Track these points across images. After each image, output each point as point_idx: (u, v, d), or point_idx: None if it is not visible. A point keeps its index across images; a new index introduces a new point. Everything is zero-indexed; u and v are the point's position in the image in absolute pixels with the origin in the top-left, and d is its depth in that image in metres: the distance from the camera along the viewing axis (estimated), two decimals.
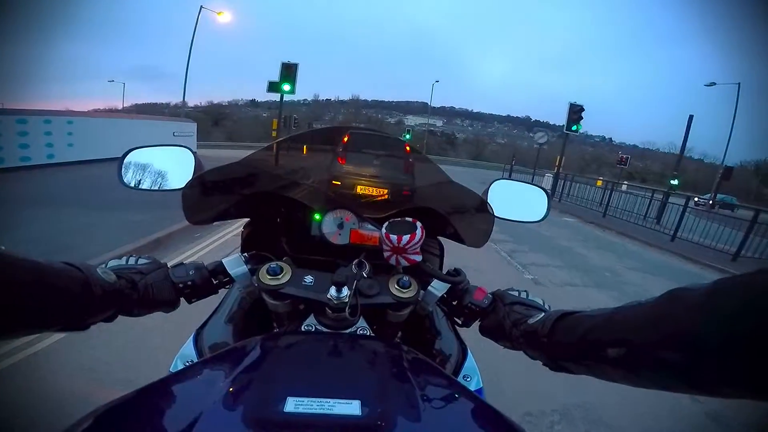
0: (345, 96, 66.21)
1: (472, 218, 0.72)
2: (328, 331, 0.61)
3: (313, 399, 0.37)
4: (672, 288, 0.36)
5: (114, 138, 8.33)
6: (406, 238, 0.60)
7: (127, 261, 0.58)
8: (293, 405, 0.36)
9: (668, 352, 0.34)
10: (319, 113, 60.64)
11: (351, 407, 0.37)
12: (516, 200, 0.74)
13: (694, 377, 0.32)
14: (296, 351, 0.52)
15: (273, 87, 11.06)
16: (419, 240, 0.60)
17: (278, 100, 12.33)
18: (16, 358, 1.98)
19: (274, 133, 12.07)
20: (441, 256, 0.83)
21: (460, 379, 0.71)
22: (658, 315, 0.35)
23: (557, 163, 14.46)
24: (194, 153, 0.68)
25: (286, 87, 10.98)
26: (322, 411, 0.36)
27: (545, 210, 0.75)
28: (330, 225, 0.71)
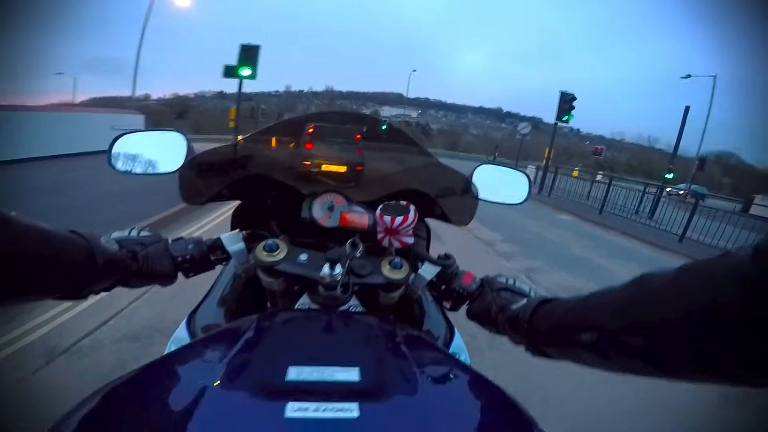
0: (318, 87, 65.02)
1: (458, 198, 0.74)
2: (321, 309, 0.62)
3: (314, 367, 0.39)
4: (639, 274, 0.37)
5: (37, 135, 7.00)
6: (399, 219, 0.61)
7: (129, 233, 0.59)
8: (295, 373, 0.38)
9: (634, 336, 0.34)
10: (292, 105, 59.26)
11: (351, 374, 0.38)
12: (499, 184, 0.77)
13: (660, 362, 0.33)
14: (293, 326, 0.53)
15: (230, 72, 9.23)
16: (412, 222, 0.62)
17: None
18: None
19: (231, 124, 10.67)
20: (428, 239, 0.86)
21: None
22: (626, 300, 0.36)
23: (546, 155, 13.72)
24: (186, 137, 0.68)
25: (246, 72, 9.12)
26: (322, 378, 0.38)
27: (526, 193, 0.79)
28: (320, 208, 0.73)
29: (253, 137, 0.79)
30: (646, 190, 10.30)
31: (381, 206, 0.64)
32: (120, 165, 0.67)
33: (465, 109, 68.64)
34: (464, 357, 0.74)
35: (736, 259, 0.29)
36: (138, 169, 0.68)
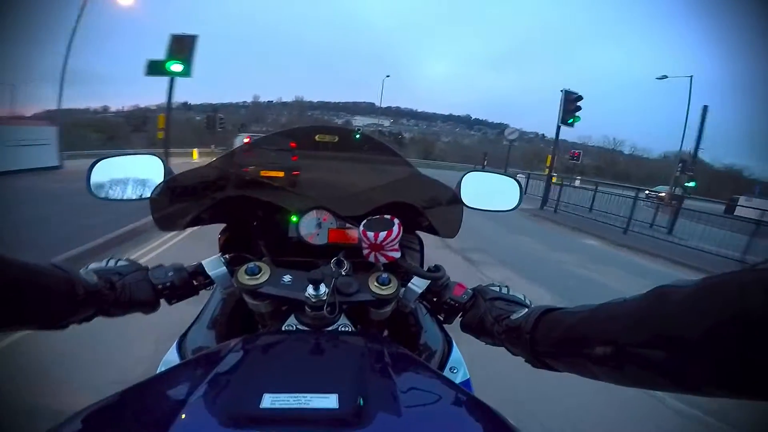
0: (288, 98, 64.50)
1: (444, 210, 0.74)
2: (309, 330, 0.61)
3: (290, 394, 0.38)
4: (657, 285, 0.36)
5: None
6: (382, 235, 0.60)
7: (106, 263, 0.58)
8: (270, 401, 0.37)
9: (655, 351, 0.33)
10: (260, 116, 58.41)
11: (328, 401, 0.37)
12: (488, 191, 0.77)
13: (681, 376, 0.32)
14: (274, 349, 0.52)
15: (156, 68, 7.23)
16: (396, 236, 0.61)
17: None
18: None
19: (160, 134, 8.59)
20: (421, 251, 0.85)
21: (446, 371, 0.72)
22: (645, 313, 0.35)
23: (548, 163, 11.97)
24: (162, 159, 0.67)
25: (176, 67, 7.18)
26: (298, 405, 0.36)
27: (517, 200, 0.79)
28: (308, 226, 0.71)
29: (231, 156, 0.76)
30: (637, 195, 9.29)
31: (364, 222, 0.63)
32: (98, 191, 0.65)
33: (435, 117, 70.17)
34: (463, 371, 0.73)
35: (765, 273, 0.28)
36: (116, 195, 0.66)
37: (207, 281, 0.63)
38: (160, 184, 0.63)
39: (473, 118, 70.80)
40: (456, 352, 0.76)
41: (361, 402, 0.38)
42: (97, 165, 0.65)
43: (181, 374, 0.47)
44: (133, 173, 0.66)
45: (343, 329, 0.62)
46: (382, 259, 0.62)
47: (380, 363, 0.48)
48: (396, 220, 0.62)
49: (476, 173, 0.78)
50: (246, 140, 8.85)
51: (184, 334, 0.74)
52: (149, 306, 0.59)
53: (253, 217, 0.76)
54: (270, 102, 64.16)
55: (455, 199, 0.73)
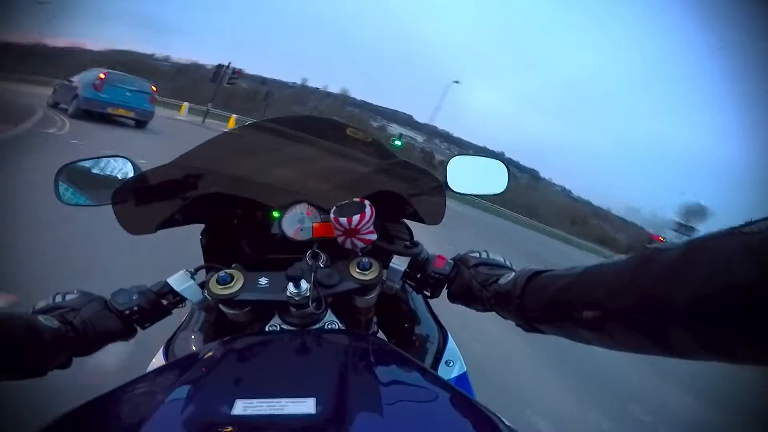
0: (334, 89, 65.28)
1: (428, 197, 0.72)
2: (293, 329, 0.58)
3: (264, 400, 0.35)
4: (644, 248, 0.36)
5: None
6: (356, 218, 0.58)
7: (54, 300, 0.55)
8: (242, 407, 0.34)
9: (642, 315, 0.33)
10: (302, 100, 59.20)
11: (304, 406, 0.34)
12: (475, 174, 0.75)
13: (667, 341, 0.32)
14: (251, 352, 0.49)
15: None
16: (369, 218, 0.59)
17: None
18: None
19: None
20: (411, 239, 0.80)
21: (442, 364, 0.70)
22: (630, 277, 0.35)
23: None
24: (131, 160, 0.66)
25: None
26: (272, 412, 0.34)
27: (506, 182, 0.77)
28: (290, 221, 0.68)
29: (204, 149, 0.72)
30: None
31: (333, 209, 0.60)
32: (67, 198, 0.65)
33: (469, 145, 69.78)
34: (459, 365, 0.70)
35: (750, 237, 0.28)
36: (86, 200, 0.66)
37: (177, 299, 0.60)
38: (122, 184, 0.62)
39: (506, 156, 70.44)
40: (452, 345, 0.73)
41: (340, 406, 0.35)
42: (64, 170, 0.65)
43: (155, 380, 0.45)
44: (102, 176, 0.66)
45: (330, 326, 0.59)
46: (360, 244, 0.60)
47: (364, 362, 0.45)
48: (367, 202, 0.60)
49: (462, 157, 0.76)
50: (101, 76, 9.14)
51: (171, 338, 0.72)
52: (121, 335, 0.56)
53: (231, 215, 0.73)
54: (316, 88, 65.15)
55: (438, 185, 0.71)
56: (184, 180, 0.66)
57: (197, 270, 0.62)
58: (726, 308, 0.28)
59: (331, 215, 0.60)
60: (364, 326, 0.69)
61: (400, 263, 0.63)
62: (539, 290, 0.46)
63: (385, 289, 0.64)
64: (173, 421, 0.33)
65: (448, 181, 0.72)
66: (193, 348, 0.69)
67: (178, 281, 0.60)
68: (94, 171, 0.67)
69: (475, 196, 0.75)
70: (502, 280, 0.53)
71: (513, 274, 0.53)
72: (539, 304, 0.46)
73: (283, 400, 0.35)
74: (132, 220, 0.63)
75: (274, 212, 0.69)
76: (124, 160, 0.66)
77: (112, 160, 0.67)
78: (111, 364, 1.67)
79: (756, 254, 0.27)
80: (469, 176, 0.73)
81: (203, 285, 0.59)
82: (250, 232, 0.73)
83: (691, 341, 0.31)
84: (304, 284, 0.54)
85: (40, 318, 0.48)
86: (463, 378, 0.69)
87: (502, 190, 0.76)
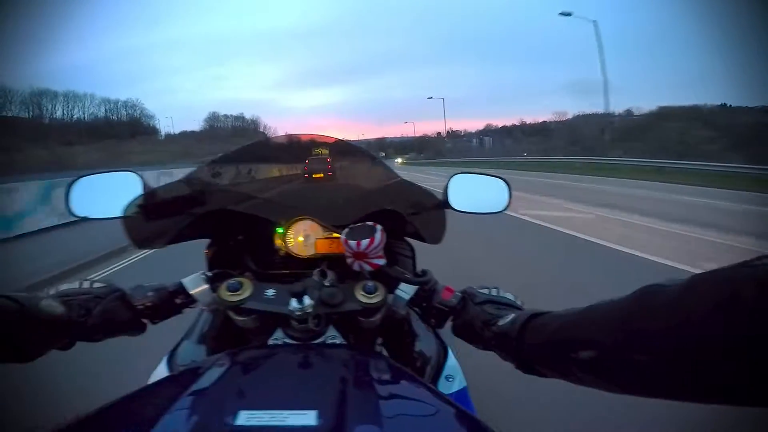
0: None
1: (428, 216, 0.73)
2: (296, 343, 0.60)
3: (266, 411, 0.36)
4: (645, 285, 0.34)
5: None
6: (365, 242, 0.59)
7: (80, 285, 0.58)
8: (245, 418, 0.35)
9: (638, 354, 0.32)
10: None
11: (306, 418, 0.36)
12: (476, 193, 0.75)
13: (667, 382, 0.31)
14: (255, 364, 0.51)
15: None
16: (379, 243, 0.60)
17: None
18: None
19: None
20: (413, 258, 0.83)
21: (442, 380, 0.71)
22: (629, 314, 0.33)
23: None
24: (140, 176, 0.67)
25: None
26: (274, 423, 0.35)
27: (506, 200, 0.77)
28: (294, 237, 0.71)
29: (210, 167, 0.75)
30: None
31: (345, 231, 0.62)
32: (77, 210, 0.67)
33: None
34: (459, 379, 0.71)
35: (762, 269, 0.26)
36: (96, 214, 0.68)
37: (189, 299, 0.62)
38: (133, 201, 0.64)
39: None
40: (452, 360, 0.74)
41: (341, 418, 0.36)
42: (76, 183, 0.67)
43: (158, 391, 0.47)
44: (113, 191, 0.67)
45: (331, 341, 0.61)
46: (367, 267, 0.61)
47: (365, 376, 0.47)
48: (378, 227, 0.61)
49: (463, 175, 0.76)
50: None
51: (174, 349, 0.73)
52: (132, 328, 0.59)
53: (237, 230, 0.75)
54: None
55: (438, 205, 0.71)
56: (193, 197, 0.68)
57: (213, 274, 0.64)
58: (731, 346, 0.26)
59: (342, 236, 0.61)
60: (365, 341, 0.70)
61: (406, 290, 0.64)
62: (537, 331, 0.46)
63: (389, 314, 0.65)
64: (179, 431, 0.35)
65: (448, 199, 0.72)
66: (197, 358, 0.70)
67: (192, 283, 0.62)
68: (104, 185, 0.69)
69: (472, 214, 0.75)
70: (501, 321, 0.53)
71: (513, 315, 0.52)
72: (536, 345, 0.45)
73: (285, 412, 0.36)
74: (141, 234, 0.65)
75: (278, 228, 0.71)
76: (134, 175, 0.68)
77: (121, 174, 0.69)
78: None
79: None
80: (469, 194, 0.74)
81: (215, 289, 0.61)
82: (255, 246, 0.75)
83: (696, 382, 0.29)
84: (307, 300, 0.56)
85: (42, 302, 0.49)
86: (463, 393, 0.70)
87: (502, 208, 0.77)
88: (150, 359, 0.76)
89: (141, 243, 0.65)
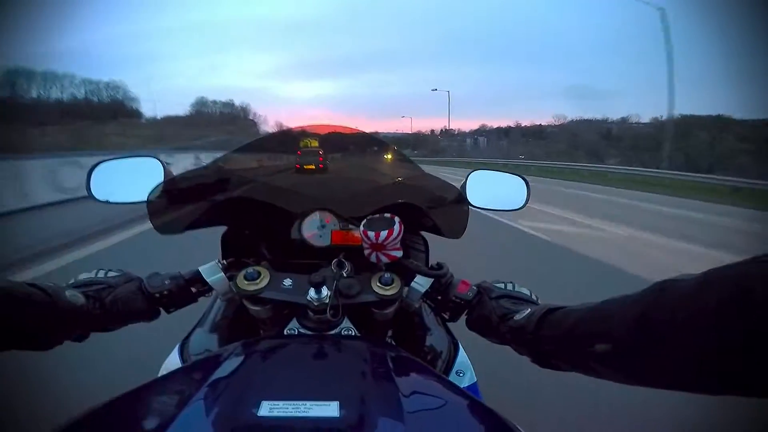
0: None
1: (449, 209, 0.72)
2: (311, 333, 0.60)
3: (289, 402, 0.37)
4: (660, 280, 0.34)
5: None
6: (383, 234, 0.59)
7: (96, 274, 0.58)
8: (268, 409, 0.35)
9: (654, 347, 0.32)
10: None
11: (329, 409, 0.36)
12: (494, 190, 0.75)
13: (682, 374, 0.31)
14: (274, 355, 0.51)
15: None
16: (398, 235, 0.60)
17: None
18: None
19: None
20: (426, 252, 0.83)
21: (452, 374, 0.71)
22: (645, 308, 0.34)
23: None
24: (161, 161, 0.67)
25: None
26: (297, 414, 0.35)
27: (525, 198, 0.77)
28: (310, 227, 0.71)
29: (232, 155, 0.76)
30: None
31: (364, 222, 0.62)
32: (98, 194, 0.67)
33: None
34: (469, 375, 0.71)
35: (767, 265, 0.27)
36: (116, 198, 0.68)
37: (205, 288, 0.62)
38: (157, 187, 0.64)
39: None
40: (462, 355, 0.74)
41: (362, 410, 0.36)
42: (97, 167, 0.67)
43: (178, 380, 0.47)
44: (133, 175, 0.67)
45: (345, 332, 0.61)
46: (384, 259, 0.62)
47: (383, 368, 0.47)
48: (397, 219, 0.61)
49: (482, 172, 0.76)
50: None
51: (186, 338, 0.73)
52: (146, 316, 0.59)
53: (254, 219, 0.75)
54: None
55: (460, 199, 0.71)
56: (213, 184, 0.69)
57: (229, 263, 0.64)
58: (746, 339, 0.26)
59: (360, 227, 0.62)
60: (377, 334, 0.70)
61: (422, 283, 0.63)
62: (554, 325, 0.46)
63: (403, 306, 0.65)
64: (200, 421, 0.35)
65: (466, 195, 0.72)
66: (210, 348, 0.70)
67: (209, 271, 0.61)
68: (125, 170, 0.69)
69: (491, 210, 0.75)
70: (517, 316, 0.53)
71: (529, 309, 0.53)
72: (553, 340, 0.46)
73: (308, 403, 0.36)
74: (163, 220, 0.65)
75: (295, 218, 0.71)
76: (155, 160, 0.68)
77: (142, 159, 0.69)
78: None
79: None
80: (487, 191, 0.74)
81: (232, 278, 0.61)
82: (272, 235, 0.75)
83: (710, 374, 0.29)
84: (325, 291, 0.56)
85: (67, 293, 0.50)
86: (473, 388, 0.71)
87: (520, 206, 0.77)
88: (161, 347, 0.76)
89: (163, 228, 0.65)
